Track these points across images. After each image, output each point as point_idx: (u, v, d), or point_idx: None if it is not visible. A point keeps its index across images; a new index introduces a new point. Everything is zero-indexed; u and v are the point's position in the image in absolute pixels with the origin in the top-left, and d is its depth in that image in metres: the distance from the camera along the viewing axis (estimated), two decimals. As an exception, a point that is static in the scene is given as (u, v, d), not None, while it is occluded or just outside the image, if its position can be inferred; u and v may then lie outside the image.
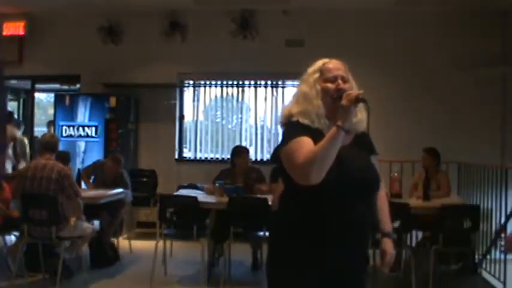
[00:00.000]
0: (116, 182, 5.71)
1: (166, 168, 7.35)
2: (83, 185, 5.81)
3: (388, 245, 2.14)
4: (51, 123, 9.67)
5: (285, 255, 1.98)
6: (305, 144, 1.87)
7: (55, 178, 4.40)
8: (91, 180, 5.91)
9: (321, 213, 1.91)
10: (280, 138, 2.03)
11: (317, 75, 2.03)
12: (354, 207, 1.93)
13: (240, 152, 5.56)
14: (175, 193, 5.41)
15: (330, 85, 2.00)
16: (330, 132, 1.84)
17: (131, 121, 7.49)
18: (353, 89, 2.00)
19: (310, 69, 2.08)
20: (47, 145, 4.65)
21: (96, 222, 5.50)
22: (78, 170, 6.47)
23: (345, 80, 2.01)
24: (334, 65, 2.05)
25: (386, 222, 2.16)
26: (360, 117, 2.00)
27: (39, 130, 9.56)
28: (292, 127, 1.98)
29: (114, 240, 5.62)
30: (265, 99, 7.54)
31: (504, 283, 4.71)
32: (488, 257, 5.24)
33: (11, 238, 5.21)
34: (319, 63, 2.08)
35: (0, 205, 4.76)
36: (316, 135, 1.91)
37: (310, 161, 1.81)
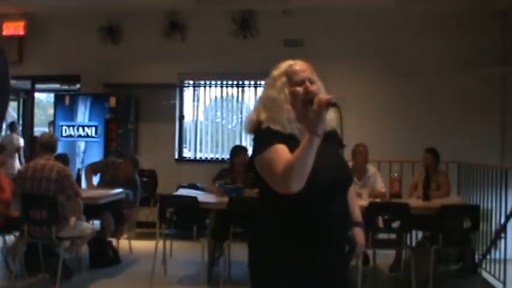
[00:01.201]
0: (127, 183, 5.67)
1: (166, 168, 7.34)
2: (83, 185, 5.80)
3: (359, 234, 2.16)
4: (51, 124, 9.70)
5: (274, 257, 1.95)
6: (281, 153, 1.84)
7: (54, 178, 4.40)
8: (97, 178, 5.86)
9: (301, 215, 1.90)
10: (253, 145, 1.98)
11: (284, 78, 2.00)
12: (332, 205, 1.93)
13: (238, 151, 5.57)
14: (175, 193, 5.41)
15: (298, 88, 1.97)
16: (304, 140, 1.81)
17: (131, 121, 7.49)
18: (320, 89, 1.99)
19: (275, 73, 2.04)
20: (46, 145, 4.65)
21: (96, 222, 5.49)
22: (78, 170, 6.47)
23: (312, 82, 1.99)
24: (300, 66, 2.01)
25: (356, 212, 2.19)
26: (329, 116, 1.94)
27: (39, 130, 9.58)
28: (264, 134, 1.93)
29: (114, 240, 5.60)
30: (265, 99, 7.52)
31: (504, 283, 4.71)
32: (488, 257, 5.24)
33: (11, 238, 5.21)
34: (284, 66, 2.04)
35: (1, 206, 4.75)
36: (289, 141, 1.89)
37: (289, 171, 1.79)
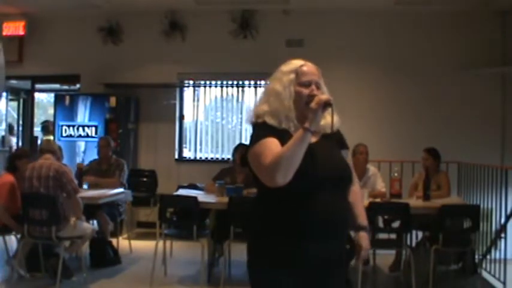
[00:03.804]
0: (112, 169, 5.73)
1: (166, 168, 7.35)
2: (85, 186, 5.78)
3: (364, 239, 2.15)
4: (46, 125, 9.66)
5: (267, 255, 1.97)
6: (271, 146, 1.88)
7: (52, 175, 4.41)
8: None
9: (298, 211, 1.91)
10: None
11: (292, 76, 2.02)
12: (329, 202, 1.93)
13: (240, 147, 5.57)
14: (175, 193, 5.41)
15: (304, 90, 1.99)
16: (297, 134, 1.85)
17: (131, 121, 7.49)
18: (324, 94, 2.00)
19: (285, 68, 2.06)
20: (45, 149, 4.70)
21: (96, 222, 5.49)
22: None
23: (318, 86, 2.02)
24: (309, 69, 2.04)
25: (362, 216, 2.16)
26: (336, 118, 1.98)
27: (39, 130, 9.57)
28: (258, 129, 1.99)
29: (114, 240, 5.60)
30: (265, 99, 7.51)
31: (504, 283, 4.71)
32: (488, 257, 5.24)
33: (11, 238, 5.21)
34: (295, 64, 2.06)
35: (2, 212, 4.73)
36: (282, 135, 1.92)
37: (276, 162, 1.82)
